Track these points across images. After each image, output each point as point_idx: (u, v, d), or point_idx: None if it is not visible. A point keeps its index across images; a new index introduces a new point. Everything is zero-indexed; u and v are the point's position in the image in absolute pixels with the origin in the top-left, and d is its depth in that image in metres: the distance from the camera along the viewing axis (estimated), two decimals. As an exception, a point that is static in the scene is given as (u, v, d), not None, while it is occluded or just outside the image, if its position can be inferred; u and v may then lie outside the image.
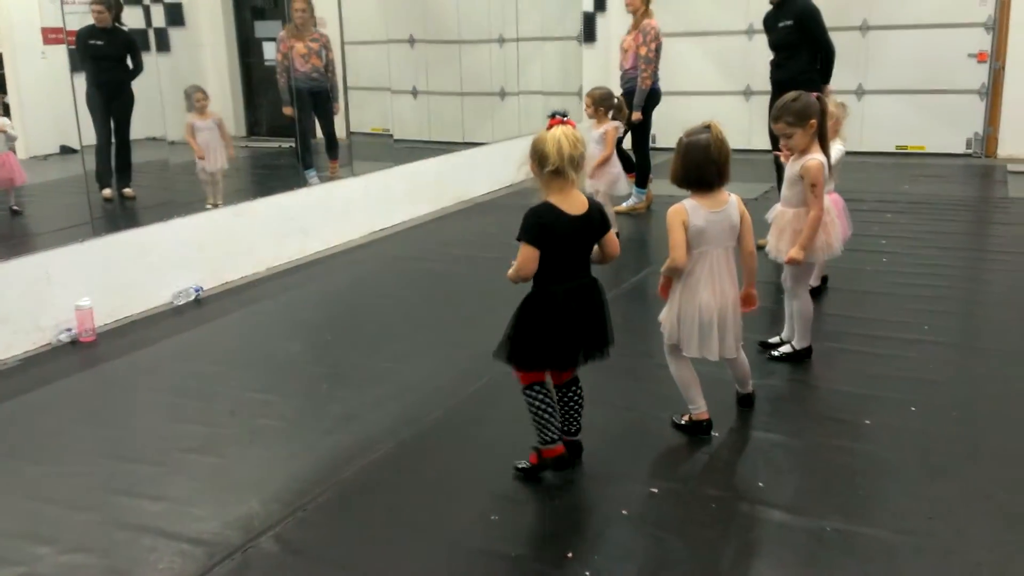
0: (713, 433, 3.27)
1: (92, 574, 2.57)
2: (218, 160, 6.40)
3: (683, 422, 3.26)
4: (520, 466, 3.01)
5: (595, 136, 5.92)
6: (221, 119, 6.50)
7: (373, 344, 4.34)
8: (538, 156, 2.78)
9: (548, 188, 2.80)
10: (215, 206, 5.88)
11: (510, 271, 2.81)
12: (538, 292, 2.84)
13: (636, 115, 6.90)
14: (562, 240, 2.79)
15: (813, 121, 3.58)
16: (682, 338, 3.11)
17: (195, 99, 6.32)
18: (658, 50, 6.92)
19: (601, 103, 5.94)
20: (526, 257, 2.76)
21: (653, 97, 7.05)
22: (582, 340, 2.89)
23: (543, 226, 2.76)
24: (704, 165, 2.95)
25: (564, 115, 2.82)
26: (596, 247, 2.91)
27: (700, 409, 3.20)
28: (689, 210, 2.96)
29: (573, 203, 2.80)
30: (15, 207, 6.19)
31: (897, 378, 3.69)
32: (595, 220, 2.85)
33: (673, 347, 3.17)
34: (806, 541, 2.59)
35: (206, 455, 3.25)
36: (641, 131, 7.07)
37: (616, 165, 6.00)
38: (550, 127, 2.79)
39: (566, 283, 2.83)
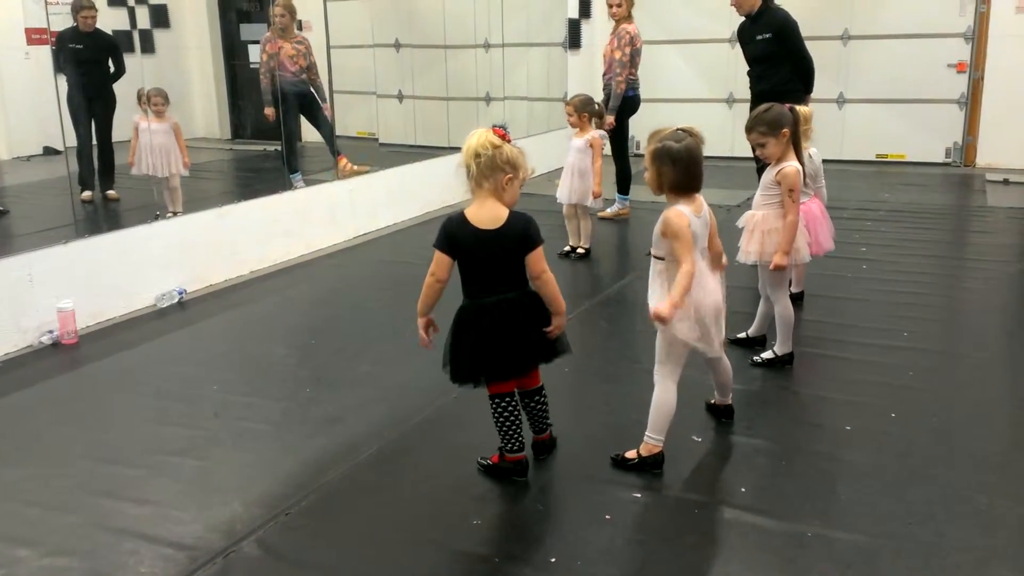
0: (695, 438, 3.29)
1: (73, 577, 2.56)
2: (171, 166, 6.14)
3: (629, 459, 3.06)
4: (483, 461, 3.08)
5: (578, 145, 5.86)
6: (177, 123, 6.25)
7: (357, 348, 4.34)
8: None
9: (473, 194, 2.84)
10: (175, 214, 5.75)
11: (426, 278, 2.86)
12: (460, 307, 2.89)
13: (609, 119, 6.88)
14: (469, 253, 2.82)
15: (786, 130, 3.67)
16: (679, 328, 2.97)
17: (153, 102, 6.08)
18: (634, 55, 6.92)
19: (583, 109, 5.91)
20: (437, 262, 2.83)
21: (631, 104, 7.06)
22: (504, 356, 2.87)
23: (448, 236, 2.81)
24: (692, 169, 2.93)
25: (500, 126, 2.84)
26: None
27: (659, 442, 3.03)
28: (689, 216, 2.92)
29: (487, 216, 2.80)
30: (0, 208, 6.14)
31: (877, 384, 3.73)
32: (512, 236, 2.80)
33: (668, 368, 3.03)
34: (786, 546, 2.61)
35: (189, 458, 3.24)
36: (619, 138, 7.09)
37: (588, 179, 5.85)
38: None
39: (484, 297, 2.84)
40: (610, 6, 6.96)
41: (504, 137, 2.81)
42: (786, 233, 3.71)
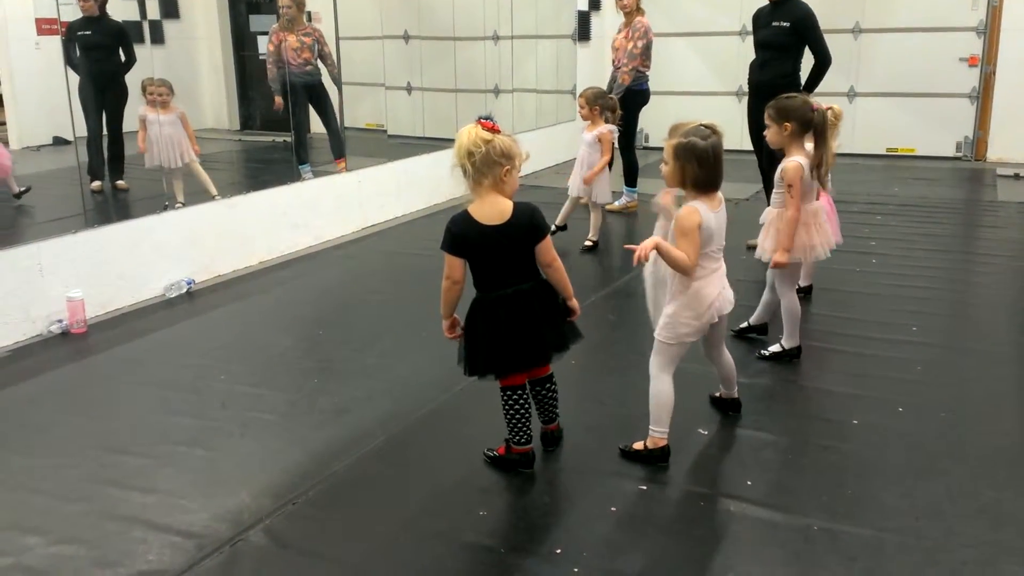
0: (701, 431, 3.29)
1: (81, 565, 2.57)
2: (181, 157, 6.14)
3: (634, 450, 3.07)
4: (489, 453, 3.09)
5: (587, 139, 5.87)
6: (184, 113, 6.25)
7: (364, 339, 4.35)
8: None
9: (473, 192, 2.81)
10: (183, 205, 5.74)
11: (442, 283, 2.84)
12: (474, 301, 2.88)
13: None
14: (478, 249, 2.80)
15: (788, 125, 3.63)
16: (684, 333, 3.01)
17: (158, 92, 6.05)
18: (646, 48, 6.95)
19: (595, 102, 5.91)
20: (450, 265, 2.81)
21: (641, 97, 7.07)
22: (520, 347, 2.87)
23: (455, 236, 2.79)
24: (716, 167, 2.92)
25: (487, 118, 2.80)
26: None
27: (663, 435, 3.03)
28: (702, 212, 2.91)
29: (491, 211, 2.78)
30: (21, 189, 6.11)
31: (885, 378, 3.72)
32: (519, 228, 2.79)
33: (664, 361, 3.03)
34: (793, 539, 2.61)
35: (196, 448, 3.25)
36: (627, 131, 7.08)
37: (603, 172, 5.89)
38: None
39: (499, 290, 2.83)
40: None
41: (493, 129, 2.77)
42: (785, 229, 3.67)
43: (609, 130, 5.88)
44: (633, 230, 6.70)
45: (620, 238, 6.50)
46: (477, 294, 2.89)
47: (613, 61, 7.14)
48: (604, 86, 6.80)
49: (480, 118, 2.79)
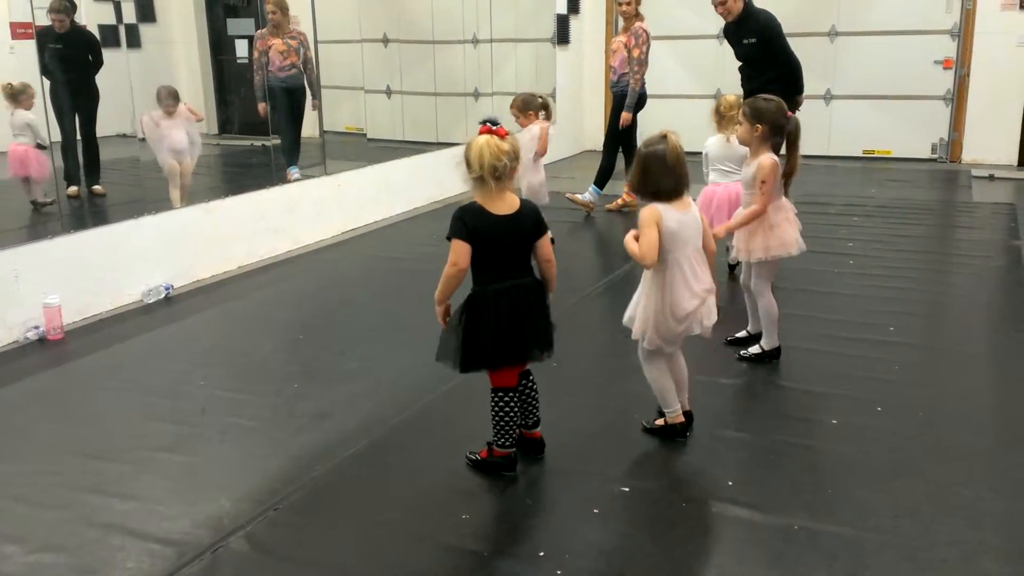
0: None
1: (60, 573, 2.55)
2: (183, 160, 6.19)
3: (656, 426, 3.24)
4: (471, 456, 3.09)
5: (524, 139, 5.85)
6: (190, 107, 6.32)
7: (345, 343, 4.33)
8: (465, 161, 2.86)
9: (477, 190, 2.87)
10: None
11: (445, 269, 2.85)
12: (472, 294, 2.90)
13: (626, 116, 7.01)
14: (489, 239, 2.85)
15: (760, 126, 3.66)
16: (661, 339, 3.07)
17: (164, 103, 6.11)
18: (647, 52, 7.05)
19: (525, 108, 5.92)
20: (457, 251, 2.84)
21: (640, 100, 7.13)
22: (518, 340, 2.91)
23: (467, 224, 2.83)
24: (661, 176, 2.97)
25: (494, 123, 2.85)
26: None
27: (676, 412, 3.19)
28: (662, 211, 2.97)
29: (501, 204, 2.86)
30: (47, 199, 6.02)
31: (863, 378, 3.75)
32: (526, 221, 2.89)
33: (651, 351, 3.13)
34: (774, 539, 2.63)
35: (176, 454, 3.23)
36: (629, 133, 7.14)
37: (540, 173, 5.87)
38: (480, 134, 2.84)
39: (499, 283, 2.87)
40: (619, 4, 7.03)
41: (503, 134, 2.83)
42: (744, 216, 3.75)
43: (544, 126, 5.89)
44: (622, 231, 6.71)
45: (610, 238, 6.52)
46: (474, 288, 2.90)
47: (611, 65, 7.20)
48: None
49: (488, 124, 2.84)
